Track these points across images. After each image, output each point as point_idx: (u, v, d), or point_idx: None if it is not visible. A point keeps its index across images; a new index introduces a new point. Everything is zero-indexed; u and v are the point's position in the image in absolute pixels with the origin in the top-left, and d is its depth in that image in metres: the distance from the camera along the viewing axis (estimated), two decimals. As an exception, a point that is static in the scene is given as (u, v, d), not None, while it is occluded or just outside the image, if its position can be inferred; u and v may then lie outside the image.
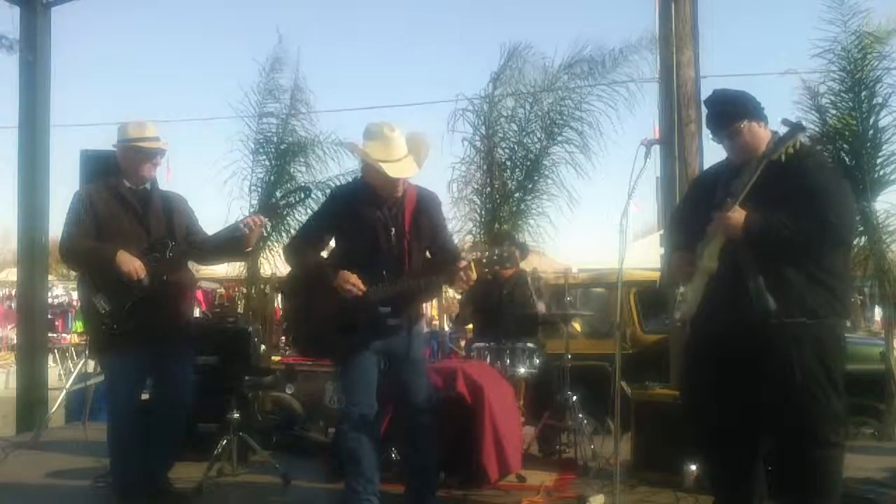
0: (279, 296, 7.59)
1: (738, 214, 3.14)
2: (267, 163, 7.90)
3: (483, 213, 7.68)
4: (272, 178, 7.83)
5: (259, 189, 7.81)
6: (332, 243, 3.94)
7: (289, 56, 8.01)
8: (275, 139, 7.95)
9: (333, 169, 7.93)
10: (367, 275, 3.68)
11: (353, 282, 3.63)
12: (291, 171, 7.92)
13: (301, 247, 3.88)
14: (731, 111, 3.34)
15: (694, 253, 3.33)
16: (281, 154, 7.89)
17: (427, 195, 3.92)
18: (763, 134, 3.32)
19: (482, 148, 7.73)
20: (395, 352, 3.82)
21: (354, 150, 3.92)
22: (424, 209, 3.83)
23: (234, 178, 7.84)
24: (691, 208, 3.56)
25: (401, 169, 3.67)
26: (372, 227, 3.72)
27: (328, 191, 4.06)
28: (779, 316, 3.12)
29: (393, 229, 3.73)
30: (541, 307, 5.50)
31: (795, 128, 3.21)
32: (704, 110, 3.54)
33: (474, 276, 3.59)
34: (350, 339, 3.71)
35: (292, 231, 7.87)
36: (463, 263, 3.59)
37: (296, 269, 3.93)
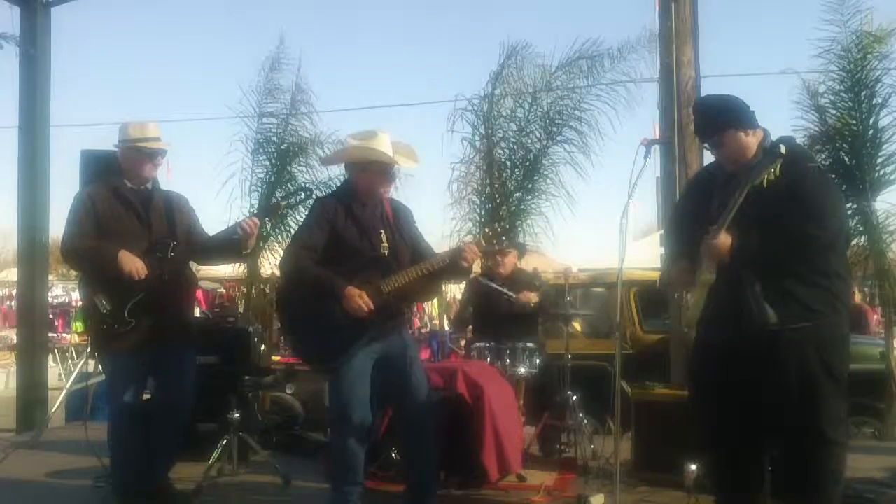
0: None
1: (722, 240, 3.16)
2: (267, 163, 7.90)
3: (483, 213, 7.67)
4: (272, 178, 7.82)
5: (259, 189, 7.81)
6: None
7: (290, 56, 8.01)
8: (275, 139, 7.94)
9: (334, 169, 7.92)
10: (366, 275, 3.74)
11: (365, 300, 3.65)
12: (292, 171, 7.92)
13: (305, 257, 3.79)
14: (713, 121, 3.33)
15: (694, 260, 3.33)
16: (281, 154, 7.89)
17: (400, 203, 4.16)
18: (749, 141, 3.30)
19: (482, 148, 7.72)
20: (392, 352, 3.84)
21: (350, 150, 3.98)
22: (402, 215, 4.02)
23: (235, 178, 7.85)
24: (688, 211, 3.57)
25: (404, 160, 3.92)
26: (366, 228, 3.82)
27: (314, 200, 4.05)
28: (779, 323, 3.12)
29: (382, 231, 3.86)
30: (531, 297, 5.47)
31: (773, 156, 3.15)
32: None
33: (478, 250, 3.79)
34: (351, 339, 3.71)
35: (293, 231, 7.87)
36: (466, 240, 3.75)
37: (299, 279, 3.83)
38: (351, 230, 3.81)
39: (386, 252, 3.84)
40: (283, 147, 7.93)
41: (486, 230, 3.93)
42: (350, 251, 3.79)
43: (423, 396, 3.89)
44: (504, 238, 3.86)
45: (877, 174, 6.51)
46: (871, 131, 6.54)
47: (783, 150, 3.12)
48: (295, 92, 7.99)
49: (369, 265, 3.77)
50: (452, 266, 3.81)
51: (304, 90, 8.03)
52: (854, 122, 6.57)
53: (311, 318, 3.77)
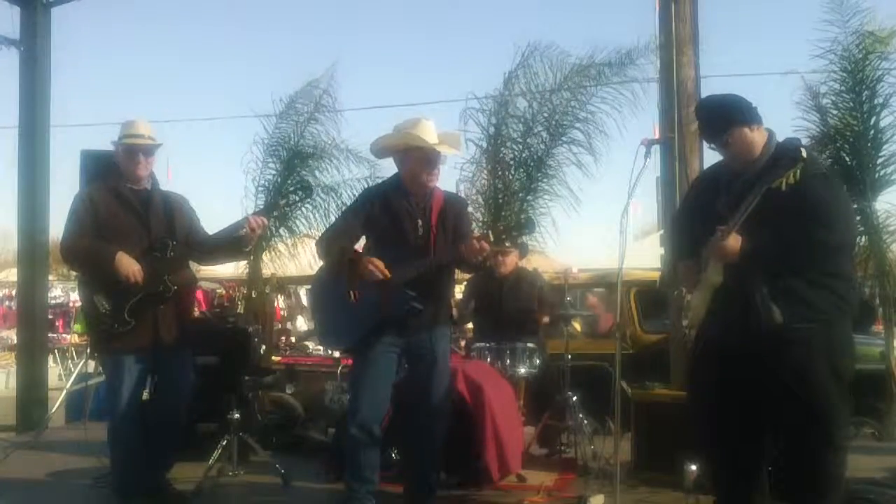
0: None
1: (733, 241, 3.13)
2: (278, 166, 7.92)
3: (487, 213, 7.67)
4: (280, 179, 7.84)
5: (265, 190, 7.82)
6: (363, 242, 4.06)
7: (323, 64, 8.03)
8: (290, 143, 7.96)
9: (344, 173, 7.97)
10: (394, 263, 3.76)
11: (378, 265, 3.69)
12: (301, 174, 7.91)
13: (331, 239, 3.97)
14: (718, 121, 3.31)
15: (699, 259, 3.32)
16: (291, 157, 7.90)
17: (454, 197, 4.20)
18: (756, 137, 3.28)
19: (488, 148, 7.71)
20: (417, 351, 3.87)
21: (388, 137, 4.00)
22: (451, 208, 3.99)
23: (242, 179, 7.88)
24: (693, 210, 3.56)
25: (445, 147, 3.91)
26: (400, 217, 3.86)
27: (361, 190, 4.19)
28: (785, 324, 3.12)
29: (420, 220, 3.87)
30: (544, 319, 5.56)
31: (794, 160, 3.09)
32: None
33: (487, 245, 3.70)
34: (363, 325, 3.76)
35: (295, 230, 7.91)
36: (475, 235, 3.79)
37: (326, 260, 3.99)
38: (383, 219, 3.88)
39: (419, 242, 3.85)
40: (295, 150, 7.94)
41: (497, 226, 3.97)
42: (382, 239, 3.87)
43: (437, 400, 3.90)
44: (515, 233, 3.84)
45: (877, 174, 6.51)
46: (871, 132, 6.54)
47: (804, 154, 3.07)
48: (320, 98, 8.01)
49: (400, 254, 3.79)
50: (462, 260, 3.83)
51: (332, 95, 8.05)
52: (855, 122, 6.56)
53: (330, 300, 3.90)
